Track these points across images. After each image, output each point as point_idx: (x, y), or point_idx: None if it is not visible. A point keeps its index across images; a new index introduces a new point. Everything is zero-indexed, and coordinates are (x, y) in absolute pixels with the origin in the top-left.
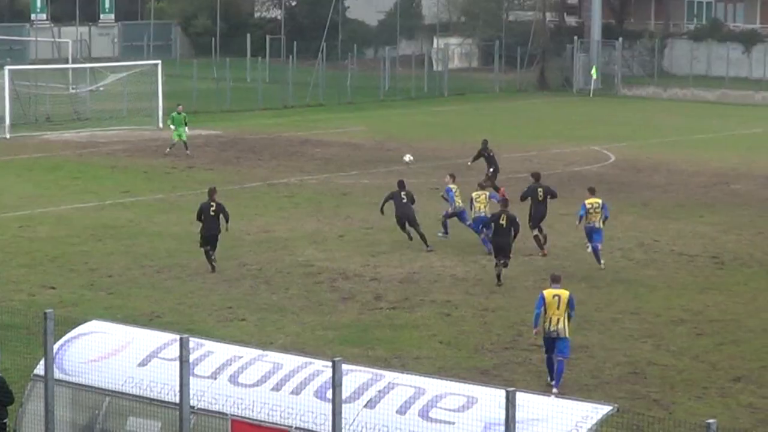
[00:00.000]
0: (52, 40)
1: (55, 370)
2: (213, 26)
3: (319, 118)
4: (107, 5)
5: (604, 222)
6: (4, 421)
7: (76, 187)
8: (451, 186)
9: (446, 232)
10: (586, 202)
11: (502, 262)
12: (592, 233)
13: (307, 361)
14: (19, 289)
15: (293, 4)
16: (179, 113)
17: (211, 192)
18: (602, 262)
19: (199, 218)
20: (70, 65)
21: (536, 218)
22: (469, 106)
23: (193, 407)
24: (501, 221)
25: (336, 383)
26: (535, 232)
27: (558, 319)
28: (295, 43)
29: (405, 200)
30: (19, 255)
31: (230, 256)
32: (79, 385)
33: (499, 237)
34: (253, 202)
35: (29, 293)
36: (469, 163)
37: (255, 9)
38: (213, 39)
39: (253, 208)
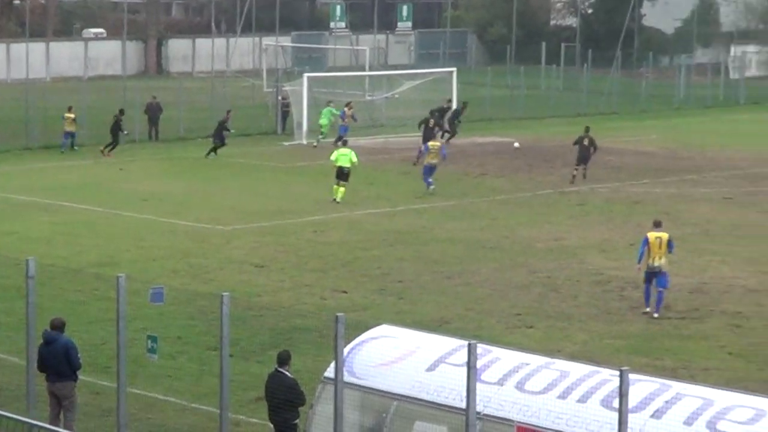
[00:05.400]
0: (351, 47)
1: (345, 373)
2: (509, 34)
3: (612, 126)
4: (405, 14)
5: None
6: (295, 422)
7: (369, 192)
8: None
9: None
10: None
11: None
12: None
13: (594, 370)
14: (312, 293)
15: (589, 12)
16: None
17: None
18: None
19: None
20: (366, 72)
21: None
22: (766, 114)
23: (479, 413)
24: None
25: (623, 392)
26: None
27: (660, 257)
28: (590, 51)
29: None
30: (312, 259)
31: (520, 263)
32: (368, 388)
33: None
34: (545, 209)
35: (321, 297)
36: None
37: (551, 17)
38: (508, 47)
39: (544, 215)
